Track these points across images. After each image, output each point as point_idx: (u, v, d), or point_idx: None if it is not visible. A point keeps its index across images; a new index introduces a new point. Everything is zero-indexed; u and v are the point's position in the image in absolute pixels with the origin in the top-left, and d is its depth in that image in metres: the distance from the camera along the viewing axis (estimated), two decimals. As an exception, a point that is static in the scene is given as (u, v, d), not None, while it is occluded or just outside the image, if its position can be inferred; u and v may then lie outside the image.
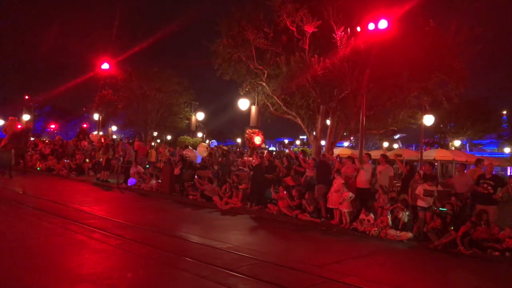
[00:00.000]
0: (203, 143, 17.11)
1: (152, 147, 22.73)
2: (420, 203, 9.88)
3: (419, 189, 9.96)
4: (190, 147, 19.85)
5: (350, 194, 10.93)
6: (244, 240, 9.06)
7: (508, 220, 9.99)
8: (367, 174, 11.63)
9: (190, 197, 14.56)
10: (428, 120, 19.54)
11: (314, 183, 12.20)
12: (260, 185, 13.23)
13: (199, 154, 18.07)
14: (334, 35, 15.47)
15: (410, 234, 9.62)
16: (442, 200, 10.43)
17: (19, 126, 20.79)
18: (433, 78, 15.54)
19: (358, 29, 14.75)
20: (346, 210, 10.83)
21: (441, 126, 41.58)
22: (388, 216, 10.00)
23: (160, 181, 16.43)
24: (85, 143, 24.08)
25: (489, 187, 9.61)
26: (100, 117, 33.24)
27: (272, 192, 12.84)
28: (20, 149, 20.42)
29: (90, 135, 27.60)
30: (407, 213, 9.98)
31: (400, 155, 16.87)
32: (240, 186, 13.80)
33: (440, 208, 9.99)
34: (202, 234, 9.25)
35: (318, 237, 10.09)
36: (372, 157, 12.90)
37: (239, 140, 51.83)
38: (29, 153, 24.03)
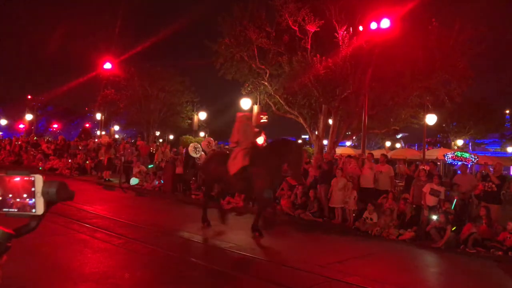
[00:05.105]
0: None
1: (159, 146, 22.58)
2: (427, 201, 9.89)
3: (427, 187, 9.95)
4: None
5: (354, 193, 10.93)
6: (247, 239, 9.05)
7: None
8: (371, 174, 11.62)
9: (193, 196, 14.57)
10: (431, 119, 19.50)
11: (317, 183, 12.18)
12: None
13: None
14: (336, 34, 15.46)
15: (412, 234, 9.59)
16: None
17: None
18: (436, 77, 15.50)
19: (361, 28, 14.75)
20: (350, 209, 10.83)
21: (444, 125, 41.35)
22: (394, 211, 9.99)
23: (162, 181, 16.44)
24: (87, 142, 24.10)
25: (493, 185, 9.61)
26: (103, 116, 33.30)
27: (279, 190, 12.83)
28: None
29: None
30: (414, 206, 9.98)
31: (404, 158, 16.91)
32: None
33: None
34: (204, 234, 9.26)
35: (320, 236, 10.08)
36: (374, 157, 12.89)
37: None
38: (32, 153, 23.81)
